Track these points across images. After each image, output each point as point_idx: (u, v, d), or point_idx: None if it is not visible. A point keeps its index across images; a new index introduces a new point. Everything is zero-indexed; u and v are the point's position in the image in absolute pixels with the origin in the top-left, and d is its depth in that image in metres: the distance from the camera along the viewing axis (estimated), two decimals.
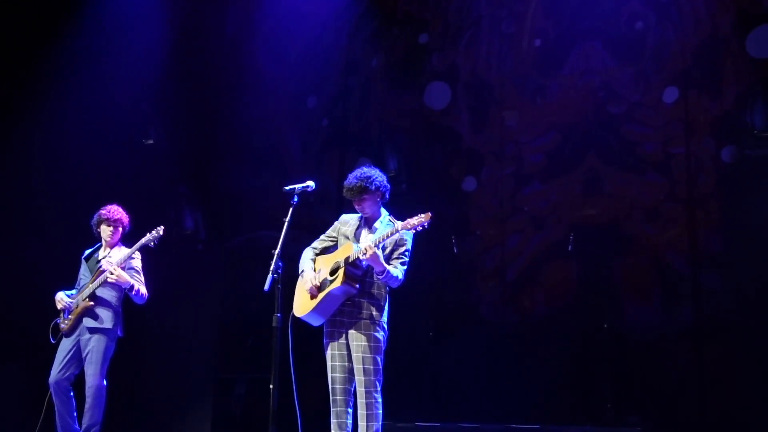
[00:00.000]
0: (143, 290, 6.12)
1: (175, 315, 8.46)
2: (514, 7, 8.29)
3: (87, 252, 6.41)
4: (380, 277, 4.86)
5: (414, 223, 4.74)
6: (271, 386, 4.78)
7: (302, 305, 5.08)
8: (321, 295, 4.96)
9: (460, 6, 8.50)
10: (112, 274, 5.98)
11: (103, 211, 6.31)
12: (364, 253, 4.76)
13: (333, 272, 4.98)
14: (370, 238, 4.99)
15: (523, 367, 7.48)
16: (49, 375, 6.07)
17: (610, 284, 7.49)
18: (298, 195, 5.11)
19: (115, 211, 6.32)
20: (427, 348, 7.86)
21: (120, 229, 6.32)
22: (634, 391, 7.20)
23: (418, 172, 8.36)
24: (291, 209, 5.05)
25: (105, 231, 6.28)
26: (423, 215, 4.75)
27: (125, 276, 6.04)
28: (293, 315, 5.08)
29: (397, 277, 4.90)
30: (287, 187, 5.16)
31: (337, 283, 4.90)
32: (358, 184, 4.99)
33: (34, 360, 6.85)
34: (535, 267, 7.88)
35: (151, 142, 8.60)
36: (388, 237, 4.84)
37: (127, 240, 6.41)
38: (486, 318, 7.96)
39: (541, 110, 8.08)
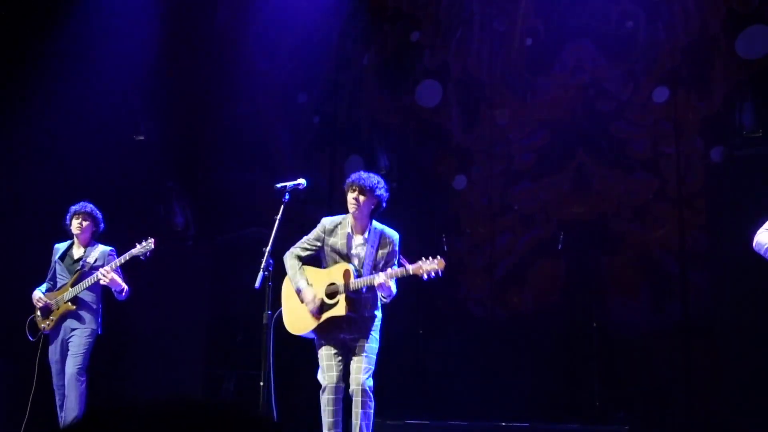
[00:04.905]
0: (126, 287, 6.22)
1: (164, 311, 8.44)
2: (506, 6, 8.29)
3: (60, 250, 6.41)
4: (386, 300, 4.94)
5: (427, 269, 4.82)
6: (261, 383, 4.78)
7: (299, 324, 5.08)
8: (323, 318, 4.98)
9: (452, 3, 8.49)
10: (105, 277, 6.02)
11: (74, 206, 6.32)
12: (379, 286, 4.84)
13: (331, 295, 4.98)
14: (364, 250, 5.02)
15: (511, 365, 7.50)
16: (33, 369, 6.21)
17: (599, 282, 7.52)
18: (290, 193, 5.11)
19: (85, 205, 6.32)
20: (416, 345, 7.87)
21: (89, 223, 6.30)
22: (621, 389, 7.24)
23: (409, 170, 8.36)
24: (282, 207, 5.05)
25: (74, 224, 6.28)
26: (437, 262, 4.80)
27: (118, 279, 6.07)
28: (280, 314, 5.11)
29: (396, 293, 4.98)
30: (279, 185, 5.15)
31: (341, 311, 4.92)
32: (368, 183, 5.01)
33: (22, 354, 6.82)
34: (524, 265, 7.89)
35: (141, 138, 8.56)
36: (397, 275, 4.88)
37: (104, 238, 6.43)
38: (475, 315, 7.98)
39: (532, 108, 8.09)
